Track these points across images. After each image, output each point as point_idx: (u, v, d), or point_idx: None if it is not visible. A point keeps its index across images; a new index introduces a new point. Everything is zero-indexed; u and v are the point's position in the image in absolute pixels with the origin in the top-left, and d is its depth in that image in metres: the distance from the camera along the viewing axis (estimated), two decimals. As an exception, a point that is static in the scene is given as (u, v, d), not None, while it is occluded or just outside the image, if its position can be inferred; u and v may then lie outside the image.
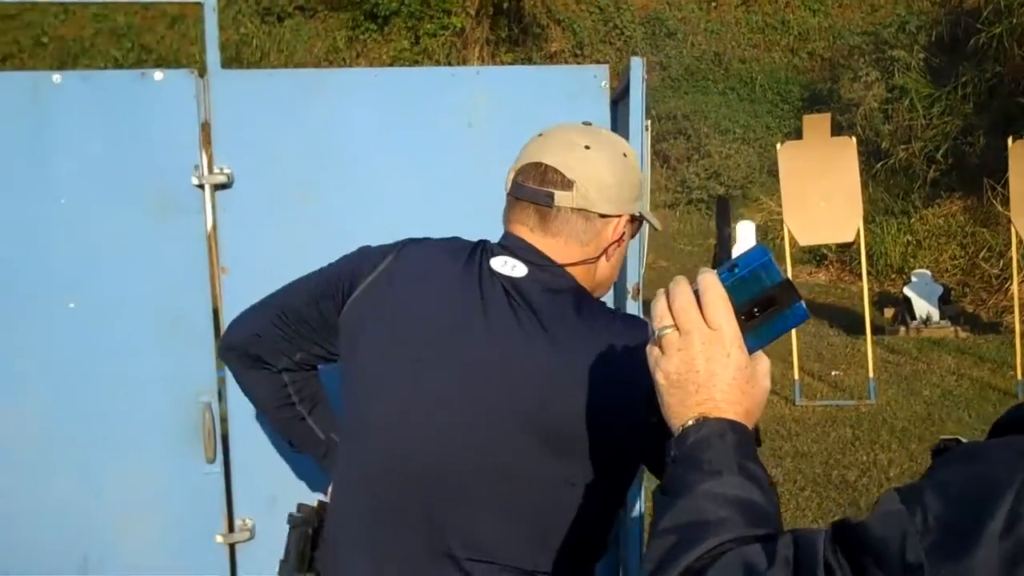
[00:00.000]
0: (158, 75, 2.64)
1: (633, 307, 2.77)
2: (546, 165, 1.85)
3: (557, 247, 1.86)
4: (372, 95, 2.67)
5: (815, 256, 14.38)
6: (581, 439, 1.74)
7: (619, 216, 1.90)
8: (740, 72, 17.47)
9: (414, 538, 1.79)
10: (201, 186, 2.64)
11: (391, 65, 14.99)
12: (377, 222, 2.63)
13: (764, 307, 1.19)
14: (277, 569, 2.03)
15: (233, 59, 14.48)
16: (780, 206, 9.22)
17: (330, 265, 2.01)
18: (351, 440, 1.91)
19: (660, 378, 1.20)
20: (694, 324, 1.18)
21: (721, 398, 1.17)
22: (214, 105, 2.61)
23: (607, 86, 2.73)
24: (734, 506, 1.10)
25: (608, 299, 2.83)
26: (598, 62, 16.70)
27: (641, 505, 2.81)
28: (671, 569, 1.07)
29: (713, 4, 18.06)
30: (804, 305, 1.20)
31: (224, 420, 2.80)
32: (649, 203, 3.01)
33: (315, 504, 2.09)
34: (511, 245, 1.88)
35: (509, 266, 1.84)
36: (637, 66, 2.66)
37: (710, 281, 1.19)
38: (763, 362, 1.22)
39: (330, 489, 2.01)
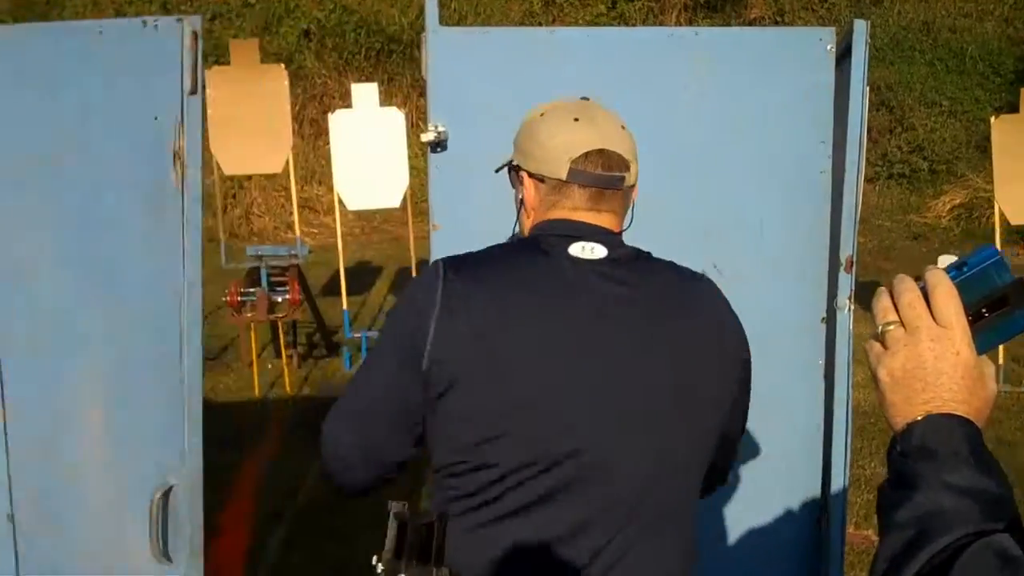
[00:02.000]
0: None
1: (845, 281, 2.67)
2: (608, 150, 1.97)
3: (610, 220, 1.98)
4: (588, 55, 2.65)
5: None
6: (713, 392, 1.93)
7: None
8: (949, 42, 16.69)
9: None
10: (416, 143, 2.65)
11: (587, 29, 14.90)
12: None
13: (993, 307, 1.17)
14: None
15: (431, 21, 14.64)
16: (989, 183, 8.76)
17: (385, 343, 1.95)
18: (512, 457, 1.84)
19: (883, 375, 1.18)
20: (923, 320, 1.16)
21: (949, 396, 1.15)
22: (431, 62, 2.63)
23: (833, 50, 2.63)
24: (972, 497, 1.08)
25: (823, 272, 2.74)
26: (799, 29, 16.08)
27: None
28: (913, 563, 1.05)
29: (924, -29, 17.30)
30: None
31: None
32: (863, 175, 2.89)
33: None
34: (576, 231, 1.95)
35: (588, 250, 1.92)
36: (861, 29, 2.57)
37: (940, 277, 1.17)
38: (989, 365, 1.19)
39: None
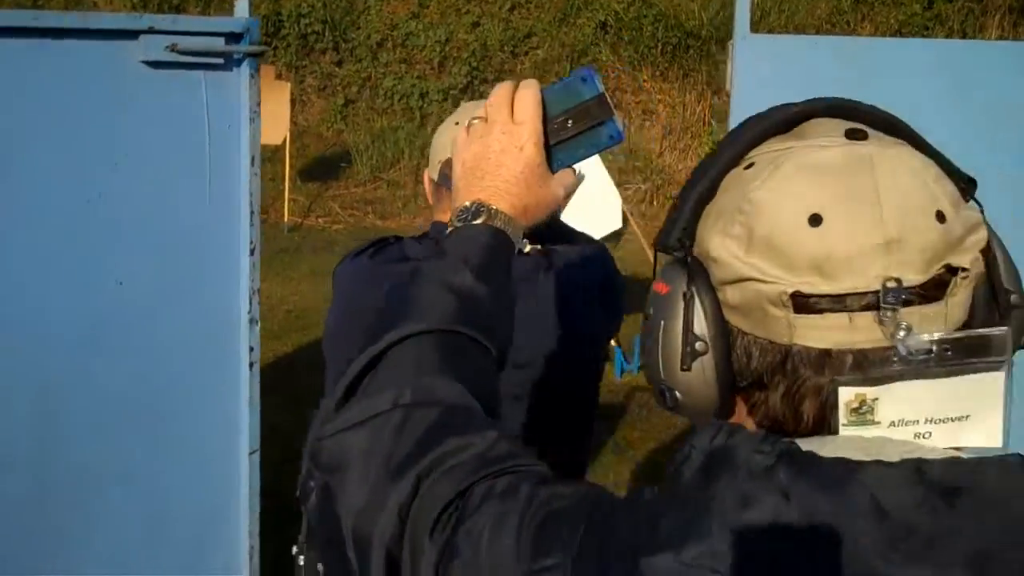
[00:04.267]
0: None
1: None
2: None
3: None
4: (922, 65, 2.28)
5: None
6: None
7: None
8: None
9: None
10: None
11: (899, 30, 14.08)
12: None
13: (578, 120, 1.20)
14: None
15: (730, 18, 14.22)
16: None
17: None
18: None
19: (458, 164, 1.23)
20: (500, 116, 1.21)
21: (504, 187, 1.18)
22: (738, 72, 2.32)
23: None
24: (459, 297, 1.11)
25: None
26: None
27: None
28: (371, 348, 1.07)
29: None
30: (619, 124, 1.20)
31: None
32: None
33: None
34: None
35: None
36: None
37: (527, 83, 1.23)
38: (568, 176, 1.23)
39: None
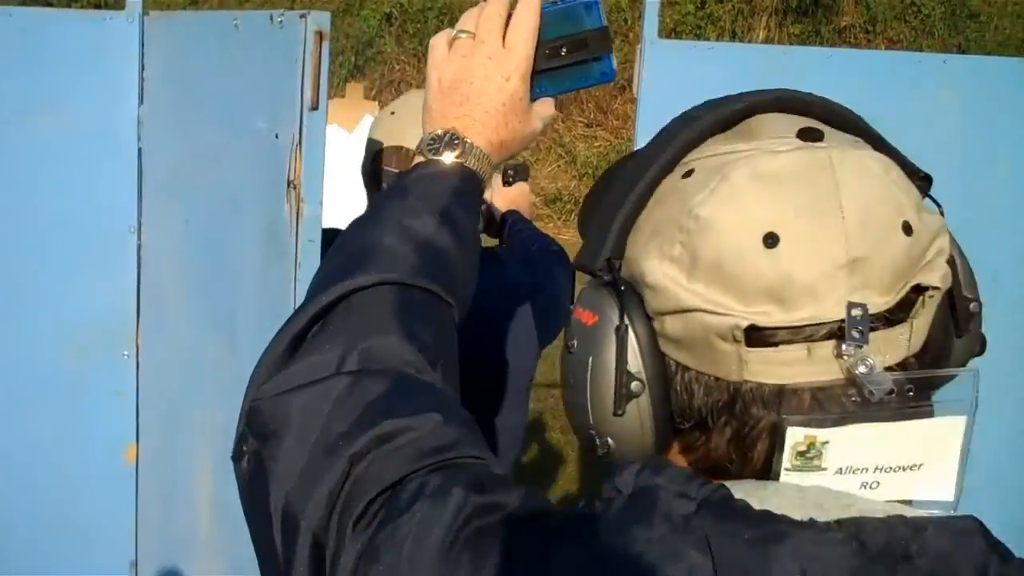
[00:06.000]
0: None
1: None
2: (408, 149, 1.91)
3: None
4: (825, 78, 2.34)
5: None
6: None
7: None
8: (1045, 61, 16.12)
9: None
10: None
11: (674, 29, 14.53)
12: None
13: (573, 49, 1.10)
14: None
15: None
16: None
17: None
18: None
19: (434, 79, 1.11)
20: (490, 37, 1.08)
21: (482, 119, 1.07)
22: (645, 78, 2.32)
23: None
24: (417, 247, 0.99)
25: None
26: (891, 40, 15.59)
27: None
28: (322, 296, 0.94)
29: (1022, -14, 16.75)
30: (614, 62, 1.12)
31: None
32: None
33: None
34: None
35: None
36: None
37: (530, 2, 1.09)
38: (547, 107, 1.13)
39: None
